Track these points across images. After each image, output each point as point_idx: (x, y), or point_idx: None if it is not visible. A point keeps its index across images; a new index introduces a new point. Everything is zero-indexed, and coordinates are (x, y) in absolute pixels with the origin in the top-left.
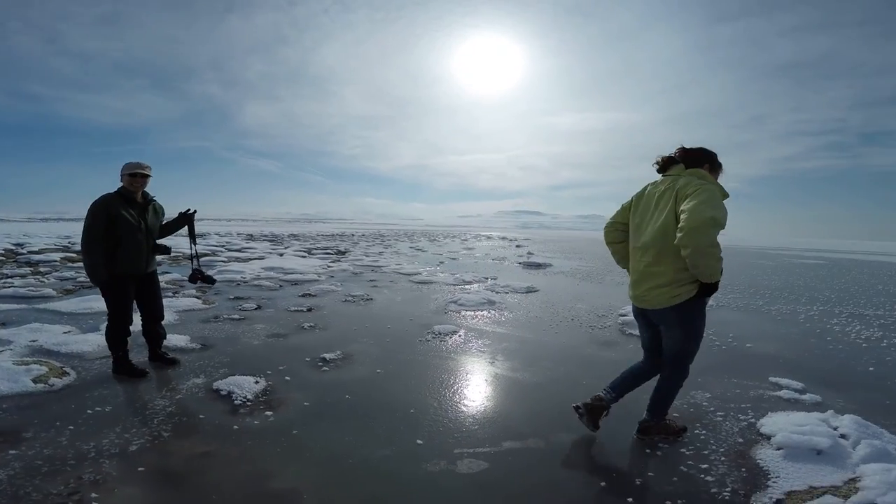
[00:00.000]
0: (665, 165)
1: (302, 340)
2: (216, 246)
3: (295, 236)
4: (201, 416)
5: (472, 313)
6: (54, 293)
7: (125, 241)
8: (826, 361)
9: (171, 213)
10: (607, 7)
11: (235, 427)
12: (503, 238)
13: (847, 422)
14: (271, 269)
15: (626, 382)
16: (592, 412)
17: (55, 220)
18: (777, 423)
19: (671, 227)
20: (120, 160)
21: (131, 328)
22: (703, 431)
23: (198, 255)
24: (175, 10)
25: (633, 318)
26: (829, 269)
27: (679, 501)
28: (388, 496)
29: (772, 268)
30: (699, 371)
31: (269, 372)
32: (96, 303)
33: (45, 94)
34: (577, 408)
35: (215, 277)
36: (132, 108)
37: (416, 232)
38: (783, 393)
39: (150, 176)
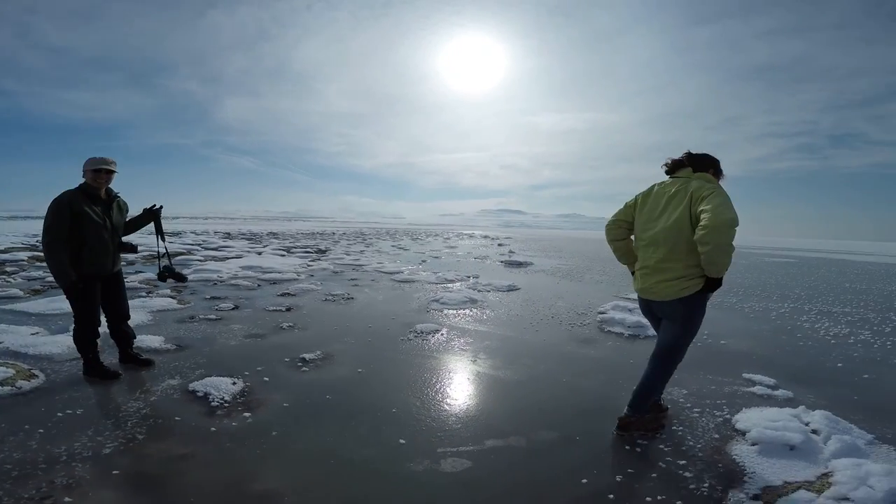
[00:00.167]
0: (674, 168)
1: (281, 340)
2: (192, 244)
3: (274, 234)
4: (177, 418)
5: (454, 312)
6: (21, 293)
7: (91, 240)
8: (797, 358)
9: (137, 210)
10: (588, 8)
11: (213, 429)
12: (485, 236)
13: (818, 417)
14: (249, 267)
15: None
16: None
17: (22, 217)
18: (751, 419)
19: (685, 226)
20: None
21: (100, 329)
22: (681, 428)
23: (168, 253)
24: (155, 3)
25: (611, 315)
26: (799, 267)
27: (659, 497)
28: (371, 496)
29: (744, 266)
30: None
31: (246, 373)
32: (66, 303)
33: (14, 89)
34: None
35: (190, 276)
36: (106, 103)
37: (398, 230)
38: (756, 389)
39: (115, 172)
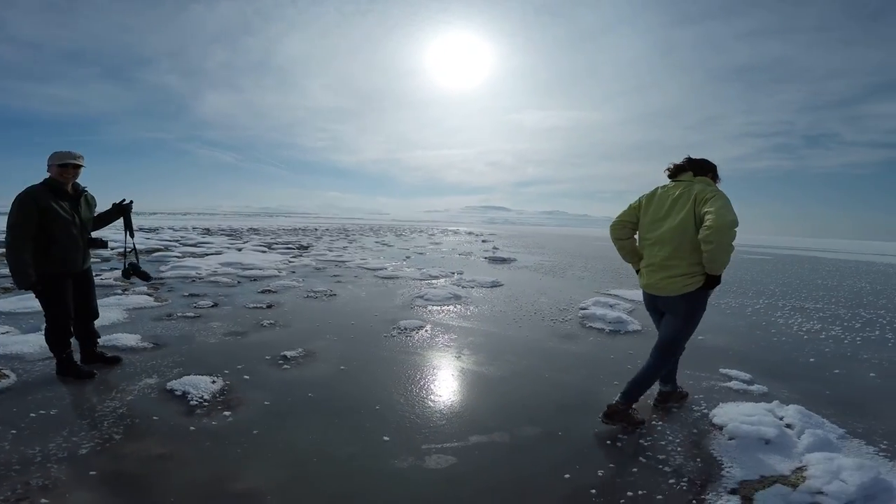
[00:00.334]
0: (676, 172)
1: (261, 338)
2: (170, 241)
3: (255, 231)
4: (155, 418)
5: (438, 308)
6: None
7: (59, 237)
8: (771, 353)
9: (105, 206)
10: (574, 7)
11: (192, 428)
12: (469, 233)
13: (791, 412)
14: (229, 264)
15: (672, 371)
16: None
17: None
18: (728, 414)
19: (689, 226)
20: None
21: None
22: (660, 422)
23: (135, 250)
24: None
25: (592, 311)
26: (774, 264)
27: (640, 493)
28: (356, 494)
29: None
30: None
31: (226, 371)
32: (36, 302)
33: None
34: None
35: (167, 273)
36: (82, 97)
37: (382, 226)
38: (733, 384)
39: (82, 166)
